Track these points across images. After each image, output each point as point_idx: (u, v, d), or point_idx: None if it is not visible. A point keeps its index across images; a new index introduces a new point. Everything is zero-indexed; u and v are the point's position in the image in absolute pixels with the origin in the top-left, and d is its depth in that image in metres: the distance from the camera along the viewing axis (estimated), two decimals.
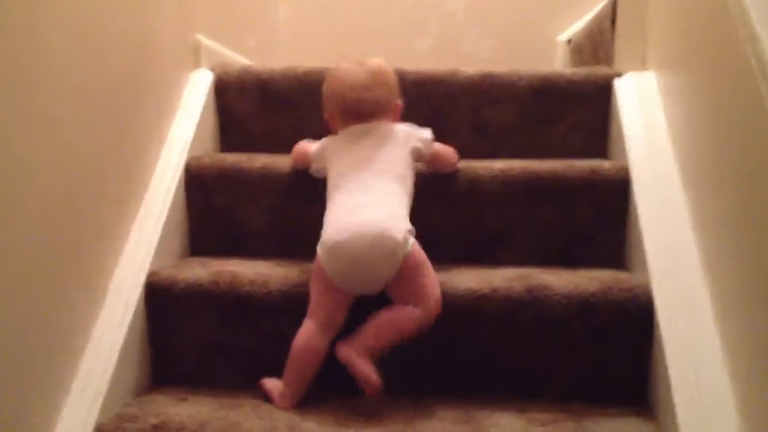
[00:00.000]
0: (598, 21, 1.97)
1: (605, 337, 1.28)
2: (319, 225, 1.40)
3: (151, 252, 1.40)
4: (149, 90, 1.51)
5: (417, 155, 1.40)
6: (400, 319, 1.24)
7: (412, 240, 1.26)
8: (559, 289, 1.29)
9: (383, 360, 1.24)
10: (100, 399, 1.20)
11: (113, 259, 1.35)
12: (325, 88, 1.43)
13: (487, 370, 1.32)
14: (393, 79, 1.41)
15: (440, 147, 1.45)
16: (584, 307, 1.28)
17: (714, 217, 1.22)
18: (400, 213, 1.29)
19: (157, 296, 1.36)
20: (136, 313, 1.32)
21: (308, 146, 1.47)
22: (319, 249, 1.27)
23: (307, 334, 1.26)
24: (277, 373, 1.28)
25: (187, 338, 1.37)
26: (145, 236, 1.41)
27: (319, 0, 2.85)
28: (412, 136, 1.40)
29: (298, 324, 1.29)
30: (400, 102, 1.43)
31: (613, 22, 1.81)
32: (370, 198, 1.29)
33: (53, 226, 1.15)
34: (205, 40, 1.79)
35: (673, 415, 1.11)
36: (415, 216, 1.35)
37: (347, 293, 1.27)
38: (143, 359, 1.35)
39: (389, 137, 1.37)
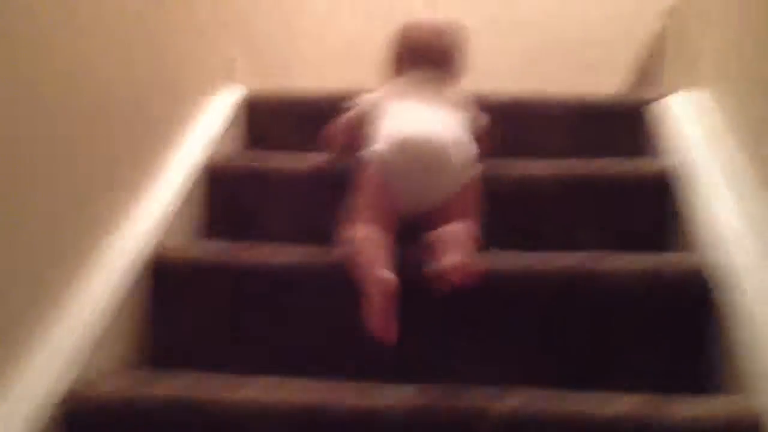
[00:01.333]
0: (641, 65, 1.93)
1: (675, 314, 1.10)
2: None
3: (161, 227, 1.27)
4: (179, 96, 1.46)
5: (471, 120, 1.31)
6: (466, 231, 1.09)
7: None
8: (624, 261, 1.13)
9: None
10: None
11: (119, 225, 1.21)
12: (397, 32, 1.40)
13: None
14: (463, 42, 1.39)
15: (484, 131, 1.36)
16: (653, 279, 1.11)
17: None
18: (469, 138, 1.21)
19: (163, 265, 1.21)
20: (136, 279, 1.17)
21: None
22: (378, 148, 1.16)
23: (361, 229, 1.10)
24: (293, 359, 1.12)
25: (192, 315, 1.20)
26: (153, 214, 1.29)
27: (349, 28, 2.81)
28: (469, 101, 1.33)
29: (313, 301, 1.16)
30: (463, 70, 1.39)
31: (656, 54, 1.76)
32: (436, 116, 1.22)
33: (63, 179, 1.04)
34: (240, 59, 1.76)
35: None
36: None
37: (395, 210, 1.14)
38: (135, 334, 1.17)
39: (453, 92, 1.33)
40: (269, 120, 1.69)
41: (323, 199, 1.40)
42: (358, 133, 1.35)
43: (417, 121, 1.20)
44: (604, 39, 2.57)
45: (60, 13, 1.03)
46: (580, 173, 1.36)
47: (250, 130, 1.69)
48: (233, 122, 1.62)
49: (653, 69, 1.76)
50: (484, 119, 1.33)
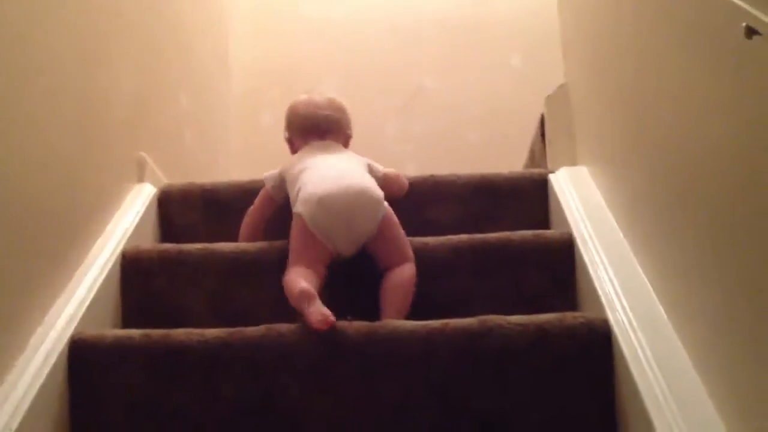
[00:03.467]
0: (531, 145, 2.10)
1: (562, 367, 1.20)
2: (261, 312, 1.38)
3: (79, 315, 1.30)
4: (94, 193, 1.53)
5: (370, 172, 1.46)
6: (404, 280, 1.33)
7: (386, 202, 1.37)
8: (513, 320, 1.23)
9: None
10: None
11: (37, 318, 1.25)
12: (288, 111, 1.58)
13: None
14: (346, 110, 1.57)
15: (390, 171, 1.53)
16: (539, 336, 1.21)
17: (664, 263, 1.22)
18: (374, 182, 1.40)
19: (82, 351, 1.24)
20: (55, 366, 1.20)
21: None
22: (302, 206, 1.33)
23: (295, 272, 1.27)
24: None
25: (114, 398, 1.23)
26: (73, 303, 1.33)
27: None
28: (363, 157, 1.50)
29: (235, 377, 1.21)
30: (350, 132, 1.57)
31: (543, 134, 1.92)
32: (346, 167, 1.41)
33: None
34: (149, 158, 1.82)
35: None
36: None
37: (327, 249, 1.31)
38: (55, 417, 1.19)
39: (347, 152, 1.52)
40: (179, 211, 1.75)
41: (235, 282, 1.47)
42: (266, 215, 1.53)
43: (327, 177, 1.36)
44: (504, 122, 2.79)
45: None
46: (477, 243, 1.47)
47: (161, 223, 1.75)
48: (145, 216, 1.67)
49: (541, 148, 1.93)
50: (380, 169, 1.49)
